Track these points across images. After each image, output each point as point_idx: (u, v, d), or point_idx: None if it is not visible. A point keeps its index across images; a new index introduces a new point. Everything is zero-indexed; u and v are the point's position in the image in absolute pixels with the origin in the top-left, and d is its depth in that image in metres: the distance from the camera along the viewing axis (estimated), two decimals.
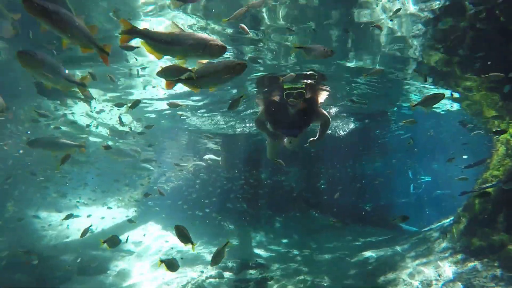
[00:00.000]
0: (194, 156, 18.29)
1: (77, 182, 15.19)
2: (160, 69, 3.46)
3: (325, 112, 6.58)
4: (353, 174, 21.96)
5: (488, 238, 7.16)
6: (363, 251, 10.53)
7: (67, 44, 3.12)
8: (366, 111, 12.11)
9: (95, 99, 10.02)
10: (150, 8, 5.41)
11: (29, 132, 12.58)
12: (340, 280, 8.61)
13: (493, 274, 6.49)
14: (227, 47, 3.44)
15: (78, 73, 7.98)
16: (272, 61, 7.12)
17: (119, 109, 10.77)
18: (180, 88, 8.99)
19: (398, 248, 9.97)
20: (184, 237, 3.68)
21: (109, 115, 12.27)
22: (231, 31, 5.89)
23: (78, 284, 9.39)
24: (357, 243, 12.30)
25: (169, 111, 11.62)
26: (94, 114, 12.24)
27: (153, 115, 12.35)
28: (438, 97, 4.77)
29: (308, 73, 7.57)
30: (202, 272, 9.66)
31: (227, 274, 9.61)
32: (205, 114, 12.11)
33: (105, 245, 5.56)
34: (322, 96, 9.24)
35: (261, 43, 6.34)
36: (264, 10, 5.41)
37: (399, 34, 6.22)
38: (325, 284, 8.40)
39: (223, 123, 13.32)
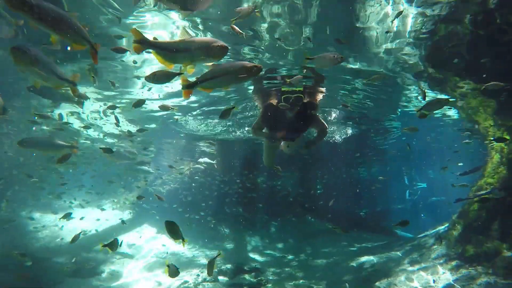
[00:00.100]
0: (191, 159, 18.24)
1: (73, 183, 15.06)
2: (148, 74, 3.49)
3: (323, 121, 6.57)
4: (349, 180, 22.01)
5: (483, 245, 7.20)
6: (358, 257, 10.53)
7: (56, 40, 3.01)
8: (365, 116, 12.15)
9: (89, 99, 9.87)
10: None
11: (34, 128, 12.32)
12: (335, 285, 8.60)
13: (487, 281, 6.52)
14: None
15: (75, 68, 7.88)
16: (270, 60, 7.11)
17: (112, 112, 10.68)
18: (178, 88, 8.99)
19: (393, 254, 9.98)
20: (174, 233, 3.63)
21: (102, 120, 12.20)
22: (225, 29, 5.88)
23: (71, 286, 9.29)
24: (352, 248, 12.30)
25: (162, 113, 11.57)
26: (90, 118, 12.15)
27: (148, 116, 12.27)
28: (442, 102, 4.78)
29: (304, 71, 7.52)
30: (198, 275, 9.61)
31: (222, 278, 9.56)
32: (199, 117, 12.04)
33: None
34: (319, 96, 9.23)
35: (257, 42, 6.35)
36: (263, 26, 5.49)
37: (395, 46, 6.32)
38: None
39: (220, 126, 13.29)
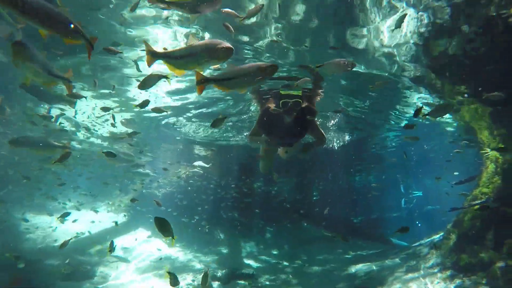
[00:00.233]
0: (187, 163, 18.18)
1: (69, 184, 14.94)
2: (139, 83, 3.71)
3: (321, 130, 6.53)
4: (345, 187, 22.01)
5: (477, 255, 7.21)
6: (353, 264, 10.51)
7: (46, 35, 2.91)
8: (363, 123, 12.20)
9: (85, 97, 9.53)
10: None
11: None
12: None
13: None
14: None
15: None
16: (269, 59, 7.14)
17: (107, 114, 10.59)
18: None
19: (388, 263, 9.97)
20: (165, 230, 3.54)
21: (99, 121, 12.15)
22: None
23: None
24: (347, 256, 12.27)
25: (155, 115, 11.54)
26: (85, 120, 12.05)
27: (145, 119, 12.24)
28: (448, 107, 4.81)
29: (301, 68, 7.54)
30: (193, 280, 9.53)
31: (215, 284, 9.49)
32: (193, 119, 11.99)
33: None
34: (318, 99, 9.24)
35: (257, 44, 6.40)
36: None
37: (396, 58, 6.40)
38: None
39: (217, 131, 13.27)
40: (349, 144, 15.12)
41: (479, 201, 7.87)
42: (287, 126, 6.20)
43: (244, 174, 15.35)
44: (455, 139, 12.96)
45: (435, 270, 7.90)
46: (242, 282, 9.63)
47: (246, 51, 6.73)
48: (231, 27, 4.57)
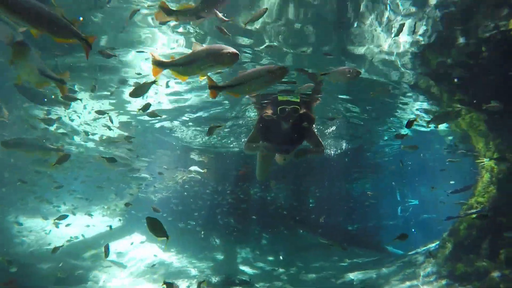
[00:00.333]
0: (184, 169, 18.12)
1: (64, 187, 14.80)
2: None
3: (320, 139, 6.50)
4: (342, 194, 22.00)
5: (473, 264, 7.22)
6: (349, 272, 10.46)
7: (37, 34, 2.79)
8: (361, 130, 12.24)
9: (80, 100, 9.39)
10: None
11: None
12: None
13: None
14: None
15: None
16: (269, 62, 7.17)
17: (103, 116, 10.51)
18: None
19: (384, 271, 9.94)
20: (157, 230, 3.40)
21: (95, 123, 12.10)
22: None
23: None
24: (343, 263, 12.21)
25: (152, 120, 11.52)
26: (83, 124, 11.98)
27: (139, 123, 12.21)
28: (451, 115, 4.85)
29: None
30: (188, 287, 9.45)
31: None
32: (190, 123, 11.98)
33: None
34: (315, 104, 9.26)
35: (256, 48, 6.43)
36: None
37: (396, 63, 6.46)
38: None
39: (214, 136, 13.24)
40: (347, 152, 15.15)
41: (474, 210, 7.91)
42: (285, 132, 6.18)
43: (241, 180, 15.32)
44: (449, 148, 13.03)
45: (431, 279, 7.89)
46: None
47: (246, 54, 6.76)
48: (224, 30, 4.56)
